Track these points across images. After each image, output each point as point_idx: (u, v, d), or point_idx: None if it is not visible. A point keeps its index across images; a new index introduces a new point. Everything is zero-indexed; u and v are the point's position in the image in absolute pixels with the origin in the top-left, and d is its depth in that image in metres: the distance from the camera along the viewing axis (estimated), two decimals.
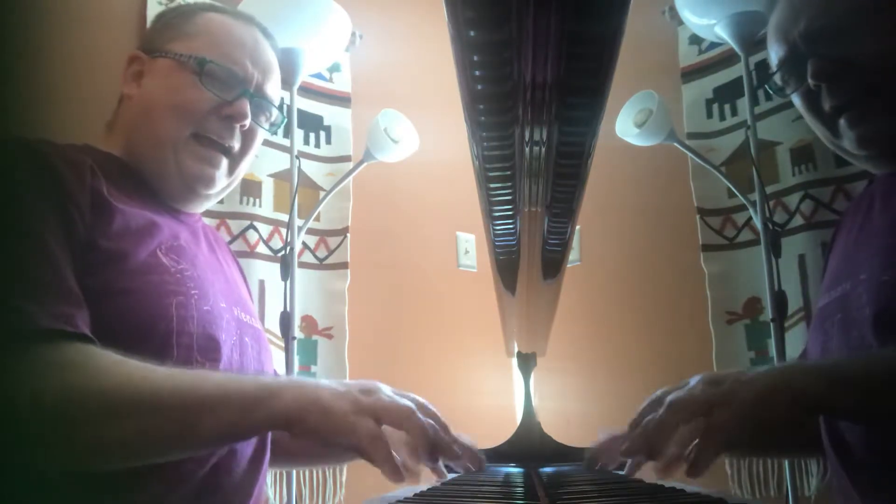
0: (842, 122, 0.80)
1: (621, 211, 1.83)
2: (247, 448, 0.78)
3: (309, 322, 1.68)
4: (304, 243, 1.70)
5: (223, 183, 0.88)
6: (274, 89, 0.92)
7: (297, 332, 1.60)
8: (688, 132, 1.68)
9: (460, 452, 0.65)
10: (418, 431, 0.59)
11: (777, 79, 0.86)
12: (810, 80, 0.80)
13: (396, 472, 0.58)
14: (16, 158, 0.69)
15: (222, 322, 0.78)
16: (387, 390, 0.62)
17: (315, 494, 1.58)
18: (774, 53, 0.87)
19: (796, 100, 0.86)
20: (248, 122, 0.86)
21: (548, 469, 0.94)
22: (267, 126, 0.92)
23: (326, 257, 1.75)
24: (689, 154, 1.57)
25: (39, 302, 0.60)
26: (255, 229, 1.63)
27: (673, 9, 1.68)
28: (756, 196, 1.47)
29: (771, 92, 0.89)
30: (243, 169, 0.91)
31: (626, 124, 1.52)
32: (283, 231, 1.64)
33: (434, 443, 0.60)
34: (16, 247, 0.63)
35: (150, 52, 0.88)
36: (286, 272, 1.52)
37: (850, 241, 0.86)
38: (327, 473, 1.61)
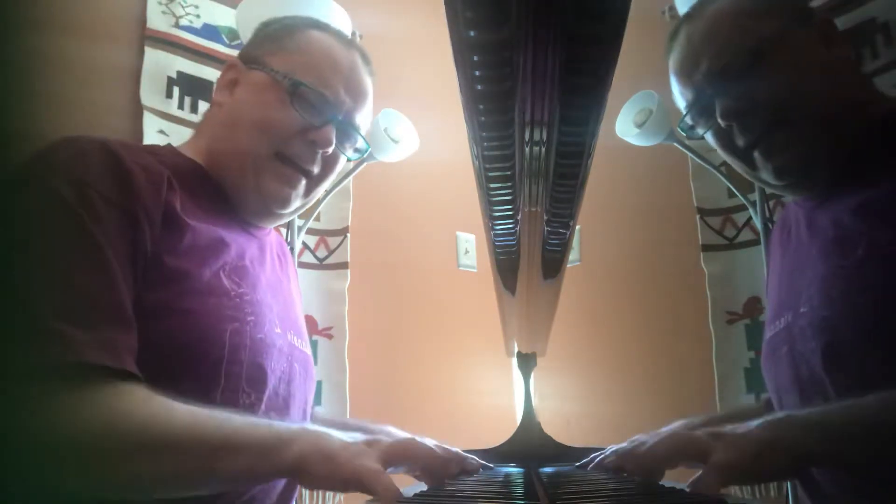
0: (756, 155, 0.81)
1: (621, 211, 1.83)
2: (277, 483, 0.78)
3: (309, 322, 1.68)
4: (304, 243, 1.70)
5: (298, 203, 0.87)
6: (364, 117, 0.90)
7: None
8: None
9: (476, 463, 0.66)
10: (425, 454, 0.60)
11: (688, 119, 0.87)
12: (720, 121, 0.81)
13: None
14: (91, 157, 0.66)
15: (273, 351, 0.77)
16: (387, 439, 0.63)
17: (315, 494, 1.58)
18: (680, 95, 0.89)
19: (709, 138, 0.87)
20: (331, 149, 0.84)
21: (548, 469, 0.94)
22: (350, 153, 0.90)
23: (326, 257, 1.75)
24: (689, 154, 1.57)
25: (85, 324, 0.58)
26: (280, 232, 1.63)
27: (673, 9, 1.68)
28: (756, 196, 1.47)
29: (683, 133, 0.90)
30: (319, 192, 0.90)
31: (626, 124, 1.52)
32: (284, 231, 1.64)
33: (444, 460, 0.61)
34: (72, 255, 0.61)
35: (247, 62, 0.86)
36: None
37: (784, 267, 0.87)
38: None
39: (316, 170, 0.85)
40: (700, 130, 0.87)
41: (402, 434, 0.63)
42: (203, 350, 0.68)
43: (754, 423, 0.62)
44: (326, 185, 0.90)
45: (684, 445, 0.63)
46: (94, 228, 0.62)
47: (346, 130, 0.87)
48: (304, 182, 0.85)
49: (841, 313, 0.72)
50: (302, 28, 0.89)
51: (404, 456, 0.61)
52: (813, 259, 0.79)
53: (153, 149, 0.77)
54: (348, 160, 0.92)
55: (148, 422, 0.59)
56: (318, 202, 1.68)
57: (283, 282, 0.91)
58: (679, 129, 0.91)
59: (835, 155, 0.78)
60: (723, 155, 0.87)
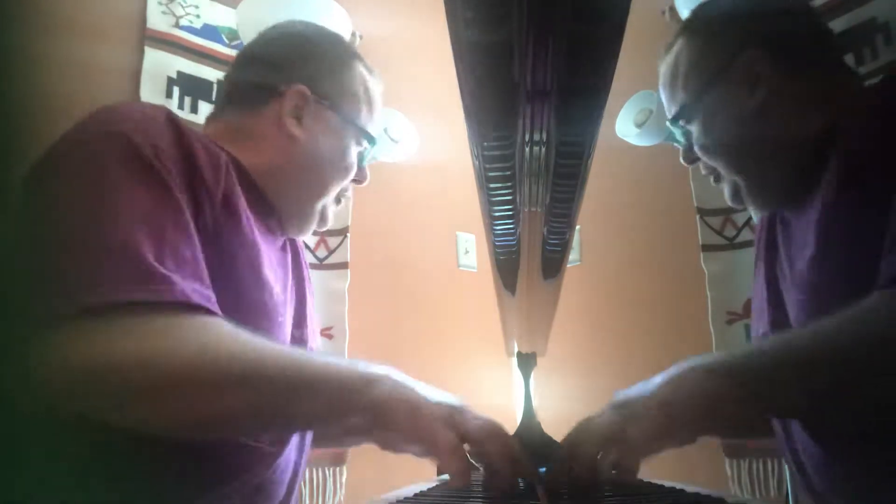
0: (711, 181, 0.93)
1: (621, 211, 1.82)
2: (286, 473, 0.78)
3: None
4: (304, 243, 1.70)
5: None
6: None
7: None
8: None
9: (537, 476, 0.65)
10: (501, 457, 0.58)
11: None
12: (682, 162, 0.94)
13: (465, 484, 0.57)
14: (160, 125, 0.66)
15: None
16: (473, 412, 0.62)
17: (315, 494, 1.58)
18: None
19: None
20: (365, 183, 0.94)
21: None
22: None
23: (326, 257, 1.75)
24: None
25: (182, 275, 0.59)
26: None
27: (673, 9, 1.68)
28: None
29: (686, 164, 0.98)
30: None
31: (626, 124, 1.52)
32: None
33: (516, 466, 0.59)
34: (158, 211, 0.61)
35: (316, 93, 0.86)
36: None
37: (766, 281, 0.90)
38: (327, 473, 1.61)
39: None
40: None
41: (483, 416, 0.61)
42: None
43: (658, 379, 0.62)
44: None
45: (595, 436, 0.60)
46: (176, 191, 0.63)
47: None
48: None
49: (810, 310, 0.74)
50: (353, 61, 0.92)
51: (480, 446, 0.59)
52: (793, 283, 0.81)
53: (200, 134, 0.77)
54: None
55: (236, 353, 0.59)
56: None
57: (302, 282, 0.94)
58: (683, 161, 0.98)
59: (774, 182, 0.84)
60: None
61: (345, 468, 1.63)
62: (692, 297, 1.64)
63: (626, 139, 1.53)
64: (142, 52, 1.51)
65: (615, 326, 1.83)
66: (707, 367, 0.61)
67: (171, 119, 0.68)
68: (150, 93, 1.49)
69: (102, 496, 0.60)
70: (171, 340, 0.56)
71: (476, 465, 0.63)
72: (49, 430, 0.58)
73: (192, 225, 0.63)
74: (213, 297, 0.62)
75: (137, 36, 1.52)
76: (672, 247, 1.74)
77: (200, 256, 0.63)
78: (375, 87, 0.94)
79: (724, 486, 1.49)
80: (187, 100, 1.54)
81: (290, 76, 0.86)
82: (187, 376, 0.56)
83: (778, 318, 0.83)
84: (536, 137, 0.53)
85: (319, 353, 0.73)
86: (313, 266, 1.72)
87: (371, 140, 0.89)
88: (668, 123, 0.94)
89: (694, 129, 0.89)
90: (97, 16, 1.49)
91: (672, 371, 0.62)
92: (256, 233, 0.75)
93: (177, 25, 1.57)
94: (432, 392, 0.61)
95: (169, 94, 1.52)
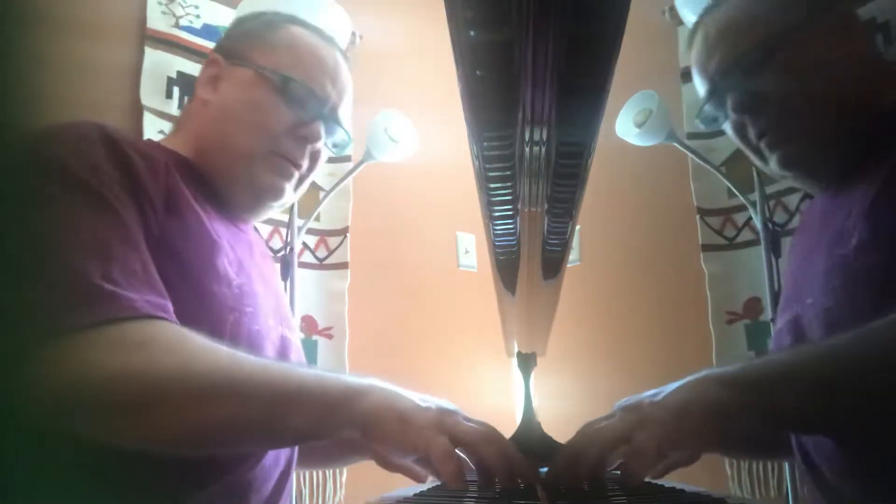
0: (762, 146, 0.83)
1: (621, 211, 1.82)
2: (274, 472, 0.77)
3: (309, 322, 1.68)
4: (304, 243, 1.70)
5: (290, 196, 0.88)
6: (346, 112, 0.92)
7: (298, 332, 1.60)
8: (688, 132, 1.68)
9: (536, 478, 0.64)
10: (498, 460, 0.58)
11: (707, 110, 0.88)
12: (731, 113, 0.83)
13: (462, 486, 0.57)
14: (95, 142, 0.66)
15: (268, 343, 0.78)
16: (464, 415, 0.61)
17: (315, 494, 1.58)
18: (700, 86, 0.90)
19: (727, 129, 0.89)
20: (320, 143, 0.86)
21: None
22: (332, 148, 0.92)
23: (326, 257, 1.75)
24: (689, 154, 1.57)
25: (132, 289, 0.59)
26: (255, 229, 1.62)
27: (673, 9, 1.68)
28: (756, 196, 1.47)
29: (703, 125, 0.92)
30: (306, 185, 0.91)
31: (626, 124, 1.52)
32: (283, 231, 1.64)
33: (514, 468, 0.59)
34: (101, 230, 0.61)
35: (229, 57, 0.86)
36: (286, 272, 1.52)
37: (797, 262, 0.88)
38: (327, 473, 1.61)
39: (305, 164, 0.86)
40: (720, 121, 0.88)
41: (480, 425, 0.60)
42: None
43: (671, 386, 0.61)
44: (312, 178, 0.91)
45: (603, 438, 0.59)
46: (118, 205, 0.63)
47: (331, 125, 0.88)
48: (296, 175, 0.86)
49: (841, 303, 0.72)
50: (283, 24, 0.89)
51: (474, 449, 0.58)
52: (821, 250, 0.79)
53: (137, 140, 0.78)
54: (333, 153, 0.94)
55: (216, 366, 0.59)
56: (318, 202, 1.68)
57: (272, 276, 0.91)
58: (698, 122, 0.92)
59: (842, 147, 0.79)
60: (740, 146, 0.89)
61: (345, 468, 1.63)
62: (692, 297, 1.64)
63: (626, 139, 1.53)
64: (142, 52, 1.51)
65: (615, 326, 1.83)
66: (721, 377, 0.60)
67: (105, 134, 0.68)
68: (150, 93, 1.49)
69: (86, 499, 0.60)
70: (132, 356, 0.56)
71: (471, 466, 0.63)
72: (28, 440, 0.59)
73: (139, 237, 0.63)
74: (169, 306, 0.62)
75: (137, 36, 1.52)
76: (672, 247, 1.74)
77: (151, 266, 0.63)
78: (311, 40, 0.89)
79: (724, 486, 1.49)
80: (187, 100, 1.55)
81: (214, 55, 0.89)
82: (161, 391, 0.56)
83: (803, 302, 0.80)
84: (536, 137, 0.53)
85: (303, 365, 0.71)
86: (313, 266, 1.72)
87: (287, 80, 0.82)
88: (717, 72, 0.84)
89: (758, 78, 0.81)
90: (97, 16, 1.49)
91: (686, 379, 0.61)
92: (213, 227, 0.74)
93: (177, 25, 1.58)
94: (421, 398, 0.61)
95: (169, 94, 1.52)
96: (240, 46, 0.87)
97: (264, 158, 0.82)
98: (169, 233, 0.68)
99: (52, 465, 0.60)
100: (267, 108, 0.82)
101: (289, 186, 0.86)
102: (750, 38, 0.81)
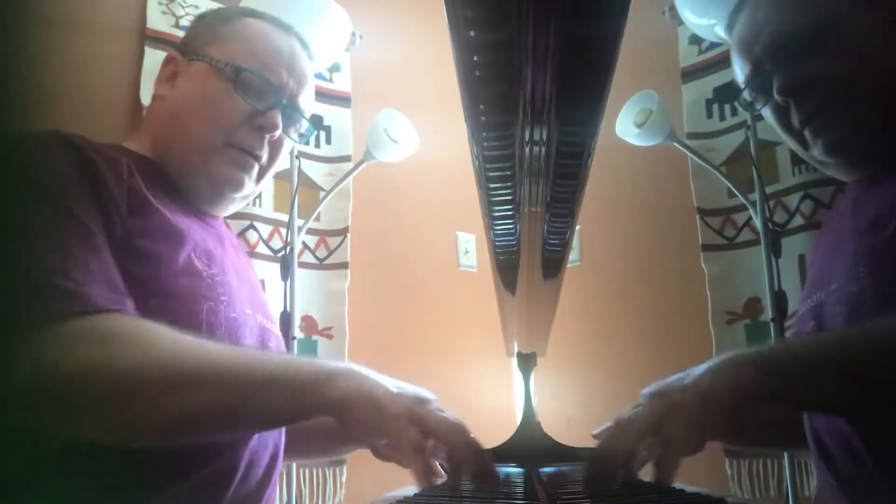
0: (807, 132, 0.81)
1: (621, 211, 1.82)
2: (263, 456, 0.78)
3: (309, 322, 1.68)
4: (304, 243, 1.70)
5: (251, 188, 0.87)
6: (307, 100, 0.91)
7: (297, 332, 1.60)
8: (688, 132, 1.68)
9: (500, 479, 0.64)
10: (468, 453, 0.58)
11: (746, 94, 0.87)
12: (777, 96, 0.81)
13: (429, 484, 0.57)
14: (54, 150, 0.67)
15: (246, 330, 0.78)
16: (437, 405, 0.62)
17: (315, 494, 1.58)
18: (740, 69, 0.88)
19: (766, 113, 0.87)
20: (278, 132, 0.85)
21: (548, 469, 0.94)
22: (296, 137, 0.91)
23: (326, 257, 1.75)
24: (689, 154, 1.57)
25: (91, 286, 0.60)
26: (255, 229, 1.63)
27: (673, 9, 1.68)
28: (756, 196, 1.47)
29: (741, 108, 0.90)
30: (268, 178, 0.90)
31: (626, 124, 1.51)
32: (283, 231, 1.64)
33: (481, 465, 0.59)
34: (60, 235, 0.62)
35: (186, 53, 0.87)
36: (286, 272, 1.52)
37: (825, 249, 0.87)
38: (327, 473, 1.61)
39: (264, 156, 0.86)
40: (758, 105, 0.87)
41: (452, 418, 0.60)
42: (181, 329, 0.68)
43: (697, 370, 0.61)
44: (273, 170, 0.91)
45: (634, 431, 0.58)
46: (78, 210, 0.64)
47: (291, 115, 0.88)
48: (256, 166, 0.86)
49: (868, 288, 0.72)
50: (238, 17, 0.90)
51: (444, 440, 0.58)
52: (849, 238, 0.78)
53: (106, 144, 0.78)
54: (297, 143, 0.94)
55: (182, 354, 0.59)
56: (318, 202, 1.68)
57: (246, 268, 0.91)
58: (738, 105, 0.90)
59: (887, 135, 0.78)
60: (778, 131, 0.87)
61: (344, 468, 1.63)
62: (692, 297, 1.64)
63: (626, 139, 1.53)
64: (142, 52, 1.51)
65: (615, 326, 1.83)
66: (746, 358, 0.60)
67: (64, 140, 0.69)
68: (150, 93, 1.49)
69: (76, 487, 0.61)
70: (95, 350, 0.57)
71: (442, 463, 0.63)
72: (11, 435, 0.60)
73: (99, 239, 0.64)
74: (129, 302, 0.63)
75: (137, 36, 1.52)
76: (672, 247, 1.74)
77: (111, 266, 0.64)
78: (266, 30, 0.88)
79: (724, 486, 1.49)
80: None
81: (173, 52, 0.89)
82: (127, 383, 0.57)
83: (828, 287, 0.80)
84: (536, 137, 0.53)
85: (276, 352, 0.71)
86: (313, 266, 1.72)
87: (239, 70, 0.82)
88: (764, 53, 0.82)
89: (808, 60, 0.79)
90: (97, 16, 1.49)
91: (711, 361, 0.61)
92: (179, 222, 0.75)
93: (177, 25, 1.57)
94: (396, 384, 0.61)
95: None
96: (195, 41, 0.88)
97: (221, 150, 0.82)
98: (135, 233, 0.68)
99: (35, 461, 0.60)
100: (220, 99, 0.82)
101: (248, 178, 0.85)
102: (800, 20, 0.79)
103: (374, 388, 0.59)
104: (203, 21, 0.92)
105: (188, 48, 0.88)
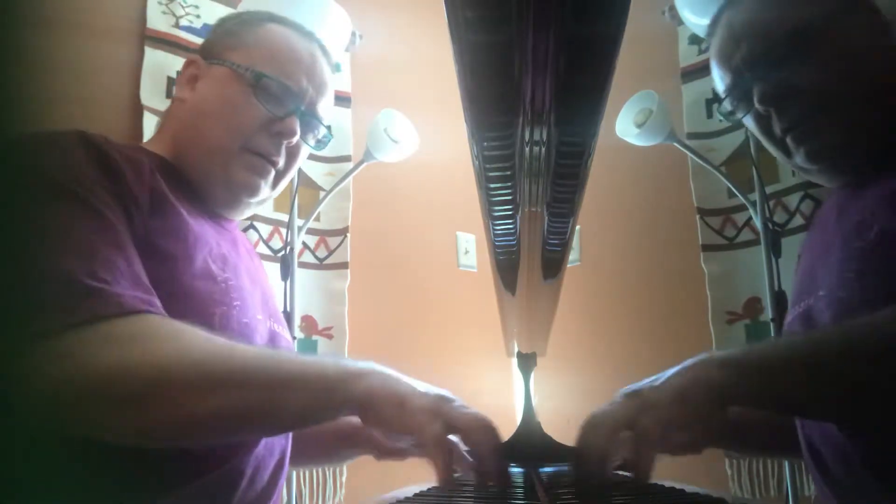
0: (789, 140, 0.81)
1: (621, 211, 1.82)
2: (269, 461, 0.78)
3: (309, 322, 1.68)
4: (304, 243, 1.70)
5: (267, 193, 0.87)
6: (325, 107, 0.91)
7: (297, 332, 1.60)
8: (688, 132, 1.68)
9: (510, 479, 0.64)
10: (490, 450, 0.58)
11: (727, 103, 0.87)
12: (758, 105, 0.81)
13: (449, 482, 0.57)
14: (73, 148, 0.67)
15: (256, 336, 0.78)
16: (461, 402, 0.61)
17: (315, 494, 1.58)
18: (720, 79, 0.88)
19: (748, 122, 0.87)
20: (295, 139, 0.85)
21: (548, 469, 0.94)
22: (313, 144, 0.91)
23: (326, 257, 1.75)
24: (689, 154, 1.57)
25: (118, 285, 0.59)
26: (255, 229, 1.63)
27: (673, 9, 1.68)
28: (756, 196, 1.47)
29: (721, 117, 0.90)
30: (285, 183, 0.90)
31: (626, 124, 1.52)
32: (283, 231, 1.64)
33: (501, 465, 0.59)
34: (85, 232, 0.62)
35: (207, 57, 0.87)
36: (286, 272, 1.52)
37: (812, 255, 0.87)
38: (327, 473, 1.61)
39: (281, 162, 0.86)
40: (739, 114, 0.87)
41: (478, 414, 0.60)
42: None
43: (671, 371, 0.61)
44: (290, 176, 0.90)
45: (607, 426, 0.58)
46: (102, 207, 0.64)
47: (309, 121, 0.88)
48: (272, 172, 0.86)
49: (856, 293, 0.72)
50: (260, 21, 0.89)
51: (466, 436, 0.59)
52: (836, 244, 0.78)
53: (127, 145, 0.78)
54: (314, 150, 0.93)
55: (213, 355, 0.59)
56: (318, 202, 1.68)
57: (259, 272, 0.91)
58: (718, 114, 0.90)
59: (870, 142, 0.78)
60: (760, 140, 0.87)
61: (345, 468, 1.63)
62: (692, 297, 1.64)
63: (626, 139, 1.53)
64: (142, 52, 1.51)
65: (615, 326, 1.83)
66: (721, 359, 0.60)
67: (86, 140, 0.69)
68: (150, 93, 1.49)
69: (87, 485, 0.61)
70: (126, 349, 0.57)
71: (466, 457, 0.64)
72: (20, 440, 0.60)
73: (124, 237, 0.64)
74: (156, 301, 0.63)
75: (137, 36, 1.52)
76: (672, 247, 1.74)
77: (137, 264, 0.64)
78: (287, 35, 0.88)
79: (724, 486, 1.49)
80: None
81: (193, 55, 0.89)
82: (158, 383, 0.57)
83: (816, 293, 0.80)
84: (536, 137, 0.53)
85: (300, 353, 0.72)
86: (313, 266, 1.72)
87: (259, 76, 0.82)
88: (744, 63, 0.82)
89: (788, 70, 0.79)
90: (97, 16, 1.49)
91: (686, 363, 0.62)
92: (196, 225, 0.75)
93: (177, 25, 1.57)
94: (419, 384, 0.61)
95: (169, 94, 1.51)
96: (217, 45, 0.88)
97: (238, 155, 0.82)
98: (154, 233, 0.68)
99: (46, 462, 0.60)
100: (239, 104, 0.83)
101: (265, 183, 0.86)
102: (779, 28, 0.79)
103: (398, 384, 0.60)
104: (225, 25, 0.92)
105: (209, 52, 0.88)
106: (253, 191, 0.85)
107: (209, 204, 0.84)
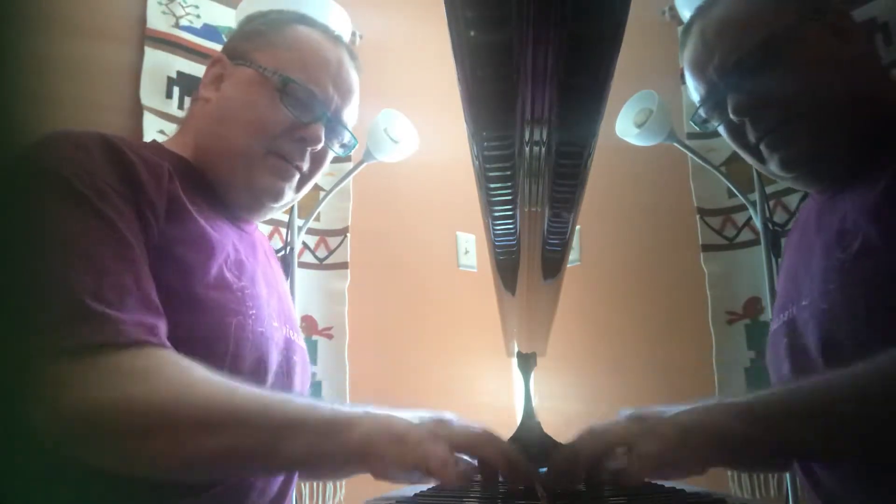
0: (763, 148, 0.82)
1: (621, 211, 1.82)
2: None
3: (309, 322, 1.68)
4: (304, 243, 1.70)
5: (290, 197, 0.86)
6: (351, 113, 0.90)
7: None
8: (688, 132, 1.68)
9: (536, 476, 0.64)
10: (497, 457, 0.58)
11: (701, 112, 0.87)
12: (731, 115, 0.82)
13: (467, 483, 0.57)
14: (93, 150, 0.66)
15: (272, 345, 0.77)
16: (457, 420, 0.61)
17: (315, 494, 1.58)
18: (694, 89, 0.89)
19: (722, 131, 0.87)
20: (320, 145, 0.84)
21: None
22: (338, 149, 0.90)
23: (326, 257, 1.75)
24: (689, 154, 1.57)
25: (123, 309, 0.58)
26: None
27: (673, 9, 1.68)
28: (756, 196, 1.47)
29: (696, 126, 0.90)
30: (308, 187, 0.89)
31: (626, 124, 1.51)
32: (283, 231, 1.64)
33: (514, 466, 0.59)
34: (99, 243, 0.61)
35: (233, 57, 0.86)
36: (286, 272, 1.52)
37: (792, 262, 0.87)
38: None
39: (305, 167, 0.85)
40: (713, 124, 0.87)
41: (472, 422, 0.61)
42: (209, 343, 0.68)
43: (681, 407, 0.61)
44: (315, 180, 0.89)
45: (606, 439, 0.60)
46: (115, 217, 0.63)
47: (335, 127, 0.87)
48: (296, 176, 0.85)
49: (838, 305, 0.72)
50: (289, 23, 0.88)
51: (473, 450, 0.59)
52: (817, 253, 0.78)
53: (146, 144, 0.77)
54: (339, 155, 0.92)
55: (213, 395, 0.59)
56: (318, 202, 1.68)
57: (277, 276, 0.90)
58: (692, 123, 0.90)
59: (844, 149, 0.78)
60: (735, 148, 0.88)
61: None
62: (692, 297, 1.64)
63: (626, 139, 1.53)
64: (142, 52, 1.51)
65: (615, 326, 1.83)
66: (730, 407, 0.60)
67: (105, 142, 0.67)
68: (150, 93, 1.49)
69: (96, 497, 0.60)
70: (128, 386, 0.56)
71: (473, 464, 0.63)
72: (25, 455, 0.59)
73: (136, 251, 0.63)
74: (161, 326, 0.61)
75: (137, 36, 1.52)
76: (672, 247, 1.74)
77: (147, 281, 0.63)
78: (316, 40, 0.87)
79: (724, 486, 1.49)
80: (187, 100, 1.54)
81: (220, 54, 0.88)
82: (158, 422, 0.56)
83: (799, 303, 0.80)
84: (536, 137, 0.53)
85: (298, 395, 0.71)
86: (313, 266, 1.72)
87: (287, 81, 0.81)
88: (716, 73, 0.83)
89: (760, 79, 0.79)
90: (97, 16, 1.49)
91: (696, 405, 0.62)
92: (215, 230, 0.74)
93: (177, 25, 1.57)
94: (413, 415, 0.61)
95: (169, 95, 1.52)
96: (243, 46, 0.87)
97: (262, 159, 0.81)
98: (170, 241, 0.67)
99: (54, 473, 0.60)
100: (265, 107, 0.81)
101: (288, 188, 0.85)
102: (751, 38, 0.80)
103: (393, 423, 0.59)
104: (251, 24, 0.91)
105: (235, 52, 0.86)
106: (276, 195, 0.84)
107: (230, 206, 0.83)
